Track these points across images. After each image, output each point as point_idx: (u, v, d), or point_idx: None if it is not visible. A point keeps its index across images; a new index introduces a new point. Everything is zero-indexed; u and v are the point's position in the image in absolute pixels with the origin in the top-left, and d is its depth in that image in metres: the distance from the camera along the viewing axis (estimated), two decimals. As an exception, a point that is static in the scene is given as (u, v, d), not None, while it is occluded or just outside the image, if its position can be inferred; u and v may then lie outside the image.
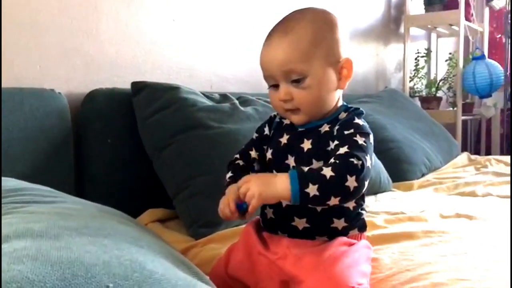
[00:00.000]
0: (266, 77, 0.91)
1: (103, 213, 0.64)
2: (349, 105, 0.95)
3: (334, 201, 0.79)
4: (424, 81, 3.27)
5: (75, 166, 1.32)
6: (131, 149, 1.40)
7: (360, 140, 0.83)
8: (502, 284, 0.86)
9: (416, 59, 3.16)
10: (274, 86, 0.90)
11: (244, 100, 1.60)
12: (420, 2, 3.17)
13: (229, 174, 1.00)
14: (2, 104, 1.14)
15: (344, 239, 0.90)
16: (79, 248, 0.45)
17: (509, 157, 2.54)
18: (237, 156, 1.03)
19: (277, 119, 1.01)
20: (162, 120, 1.36)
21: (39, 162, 1.21)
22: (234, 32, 1.91)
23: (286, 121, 0.98)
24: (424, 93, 3.23)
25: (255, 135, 1.03)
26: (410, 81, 3.16)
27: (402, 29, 3.11)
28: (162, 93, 1.40)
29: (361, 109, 0.93)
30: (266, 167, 0.98)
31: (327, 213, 0.89)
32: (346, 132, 0.85)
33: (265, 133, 1.01)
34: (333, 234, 0.90)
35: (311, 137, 0.91)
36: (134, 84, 1.41)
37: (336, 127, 0.88)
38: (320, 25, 0.89)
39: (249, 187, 0.81)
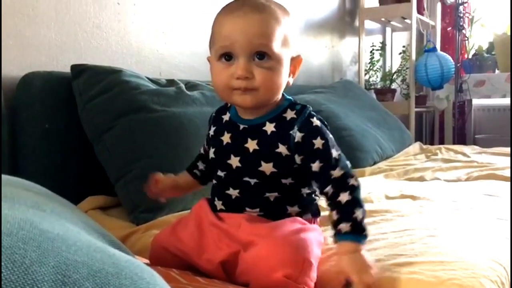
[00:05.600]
0: (223, 48, 0.84)
1: (12, 181, 0.60)
2: (293, 100, 0.92)
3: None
4: (379, 74, 3.32)
5: (9, 152, 1.25)
6: (71, 134, 1.34)
7: (335, 152, 0.85)
8: (436, 257, 0.86)
9: (371, 52, 3.20)
10: (226, 60, 0.84)
11: (191, 85, 1.57)
12: (374, -4, 3.22)
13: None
14: None
15: (298, 218, 0.89)
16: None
17: (458, 146, 2.61)
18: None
19: (213, 114, 0.98)
20: (104, 103, 1.31)
21: (-32, 147, 1.14)
22: (185, 16, 1.87)
23: (225, 117, 0.94)
24: (379, 86, 3.28)
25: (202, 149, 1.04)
26: (365, 74, 3.19)
27: (357, 22, 3.14)
28: (103, 76, 1.35)
29: (308, 106, 0.91)
30: (210, 165, 0.98)
31: (280, 202, 0.88)
32: (316, 143, 0.85)
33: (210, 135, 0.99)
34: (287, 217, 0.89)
35: (256, 137, 0.88)
36: (74, 66, 1.36)
37: (298, 133, 0.86)
38: (285, 14, 0.88)
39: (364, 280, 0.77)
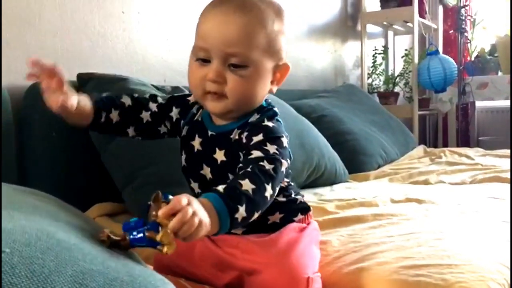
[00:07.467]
0: (199, 48, 0.79)
1: (25, 192, 0.61)
2: (267, 105, 0.85)
3: (255, 216, 0.69)
4: (382, 78, 3.32)
5: (17, 162, 1.26)
6: (77, 142, 1.35)
7: (272, 148, 0.75)
8: (443, 260, 0.87)
9: (373, 56, 3.21)
10: (203, 61, 0.79)
11: (196, 92, 1.57)
12: (376, 0, 3.22)
13: (104, 95, 0.86)
14: None
15: (293, 225, 0.88)
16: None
17: (462, 148, 2.61)
18: (135, 95, 0.90)
19: (193, 110, 0.89)
20: (110, 111, 1.32)
21: (-23, 157, 1.15)
22: (189, 23, 1.88)
23: (198, 116, 0.87)
24: (382, 89, 3.28)
25: (160, 100, 0.90)
26: (368, 77, 3.20)
27: (359, 26, 3.15)
28: (110, 84, 1.36)
29: (274, 109, 0.84)
30: (182, 172, 0.89)
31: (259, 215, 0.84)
32: (255, 139, 0.77)
33: (171, 113, 0.90)
34: (276, 227, 0.86)
35: (224, 146, 0.82)
36: (80, 75, 1.37)
37: (245, 134, 0.79)
38: (276, 17, 0.80)
39: (195, 212, 0.58)
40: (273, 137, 0.77)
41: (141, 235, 0.56)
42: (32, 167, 1.30)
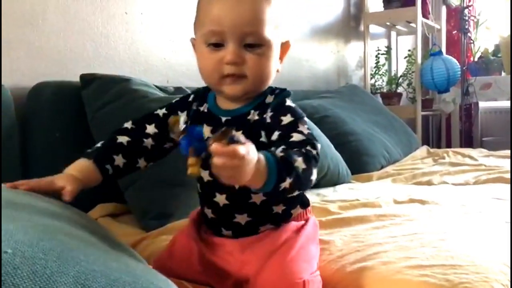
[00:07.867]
0: (211, 33, 0.79)
1: (28, 192, 0.61)
2: (274, 87, 0.87)
3: (295, 193, 0.72)
4: (385, 78, 3.32)
5: (21, 162, 1.27)
6: (81, 143, 1.35)
7: (304, 129, 0.78)
8: (447, 260, 0.86)
9: (376, 56, 3.21)
10: (215, 46, 0.79)
11: (199, 93, 1.57)
12: (379, 0, 3.22)
13: (98, 145, 0.88)
14: None
15: (290, 226, 0.86)
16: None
17: (465, 149, 2.60)
18: (128, 126, 0.89)
19: (193, 107, 0.89)
20: (113, 112, 1.32)
21: (-20, 157, 1.16)
22: (192, 23, 1.88)
23: (203, 108, 0.88)
24: (385, 90, 3.28)
25: (162, 112, 0.90)
26: (371, 78, 3.20)
27: (362, 27, 3.15)
28: (112, 85, 1.37)
29: (287, 89, 0.86)
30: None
31: (266, 204, 0.84)
32: (284, 119, 0.79)
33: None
34: (276, 219, 0.86)
35: (240, 127, 0.80)
36: (83, 76, 1.37)
37: (269, 114, 0.81)
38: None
39: (240, 166, 0.60)
40: (300, 117, 0.80)
41: (186, 146, 0.62)
42: (35, 167, 1.30)
